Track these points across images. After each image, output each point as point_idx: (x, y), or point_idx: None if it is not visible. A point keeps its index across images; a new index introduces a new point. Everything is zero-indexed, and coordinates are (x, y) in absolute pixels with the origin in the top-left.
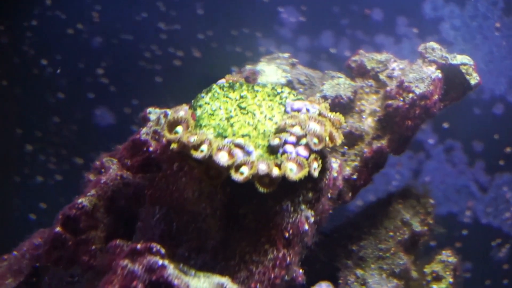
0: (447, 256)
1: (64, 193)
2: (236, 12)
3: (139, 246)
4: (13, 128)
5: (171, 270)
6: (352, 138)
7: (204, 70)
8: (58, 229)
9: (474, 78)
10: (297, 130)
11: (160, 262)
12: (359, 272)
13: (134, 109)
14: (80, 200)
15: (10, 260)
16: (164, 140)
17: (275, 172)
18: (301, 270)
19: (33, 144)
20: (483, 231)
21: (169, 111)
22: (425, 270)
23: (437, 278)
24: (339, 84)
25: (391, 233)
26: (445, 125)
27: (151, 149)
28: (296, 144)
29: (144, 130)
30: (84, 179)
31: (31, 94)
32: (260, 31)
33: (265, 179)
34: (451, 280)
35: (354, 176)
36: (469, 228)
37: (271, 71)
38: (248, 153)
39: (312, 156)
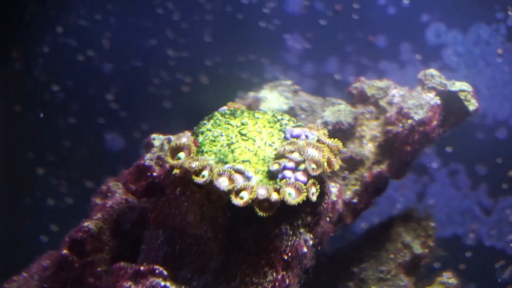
0: (448, 277)
1: (75, 216)
2: (243, 39)
3: (142, 268)
4: (25, 152)
5: None
6: (353, 163)
7: (212, 96)
8: (64, 251)
9: (472, 104)
10: (295, 156)
11: (163, 283)
12: None
13: (144, 134)
14: (86, 224)
15: (19, 281)
16: (167, 165)
17: (274, 196)
18: None
19: (45, 167)
20: (487, 253)
21: (172, 137)
22: None
23: None
24: (339, 111)
25: (392, 255)
26: (449, 149)
27: (155, 174)
28: (294, 169)
29: (148, 156)
30: (91, 203)
31: (43, 119)
32: (266, 58)
33: (265, 203)
34: None
35: (355, 200)
36: (473, 250)
37: (274, 98)
38: (248, 178)
39: (311, 181)
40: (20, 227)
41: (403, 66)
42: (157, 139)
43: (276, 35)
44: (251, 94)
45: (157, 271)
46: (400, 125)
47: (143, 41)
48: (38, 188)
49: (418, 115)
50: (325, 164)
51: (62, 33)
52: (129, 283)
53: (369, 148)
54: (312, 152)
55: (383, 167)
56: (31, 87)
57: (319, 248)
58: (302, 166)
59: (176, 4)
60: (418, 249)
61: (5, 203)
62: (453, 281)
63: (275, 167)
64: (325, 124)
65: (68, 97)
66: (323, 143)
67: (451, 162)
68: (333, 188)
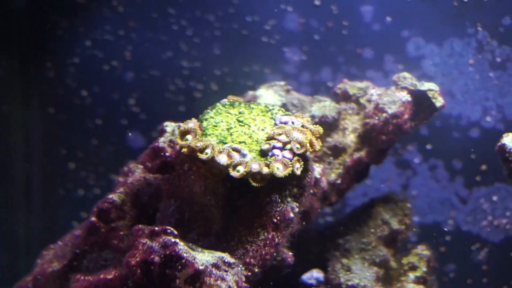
0: (422, 250)
1: None
2: (248, 52)
3: (157, 228)
4: (58, 149)
5: (182, 246)
6: (337, 150)
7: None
8: (93, 219)
9: (439, 101)
10: (283, 137)
11: (173, 240)
12: (345, 261)
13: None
14: (111, 196)
15: (55, 248)
16: (177, 146)
17: (265, 170)
18: (290, 253)
19: (75, 162)
20: (464, 237)
21: (181, 124)
22: (402, 261)
23: (413, 268)
24: (325, 106)
25: (372, 230)
26: (429, 146)
27: (167, 154)
28: (282, 148)
29: (161, 139)
30: (115, 181)
31: (73, 120)
32: (268, 68)
33: (257, 176)
34: (425, 269)
35: (338, 181)
36: (451, 235)
37: (269, 95)
38: (243, 155)
39: (295, 158)
40: (54, 214)
41: (387, 75)
42: (169, 126)
43: (276, 49)
44: (250, 92)
45: (168, 230)
46: (376, 118)
47: (160, 53)
48: (70, 181)
49: (392, 109)
50: (308, 144)
51: (90, 46)
52: (146, 240)
53: (350, 138)
54: (297, 135)
55: (362, 153)
56: (62, 93)
57: (308, 221)
58: (288, 146)
59: (189, 22)
60: (395, 225)
61: (42, 193)
62: (426, 252)
63: (266, 146)
64: (312, 117)
65: (95, 101)
66: (306, 128)
67: (431, 158)
68: (317, 168)
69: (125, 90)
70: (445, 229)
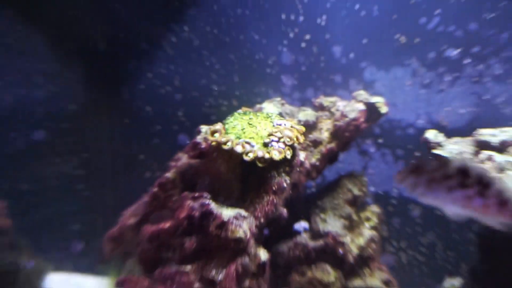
0: (374, 208)
1: None
2: (256, 79)
3: (196, 194)
4: (132, 146)
5: (213, 205)
6: (316, 143)
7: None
8: (155, 189)
9: (384, 109)
10: (278, 134)
11: (207, 202)
12: (322, 215)
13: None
14: (167, 174)
15: (131, 209)
16: (209, 141)
17: (267, 155)
18: (285, 209)
19: (144, 155)
20: (404, 200)
21: (211, 126)
22: (361, 215)
23: (368, 219)
24: (308, 114)
25: (340, 195)
26: (380, 140)
27: (202, 146)
28: (277, 141)
29: (198, 137)
30: (169, 165)
31: (141, 127)
32: (271, 89)
33: (262, 159)
34: (376, 221)
35: (317, 163)
36: (396, 199)
37: (270, 107)
38: (252, 146)
39: (287, 147)
40: (131, 188)
41: (351, 92)
42: (204, 128)
43: (276, 76)
44: (258, 105)
45: (204, 195)
46: (342, 121)
47: (198, 81)
48: (140, 167)
49: (352, 115)
50: (295, 138)
51: (151, 77)
52: (190, 201)
53: (325, 135)
54: (287, 132)
55: (333, 145)
56: (134, 109)
57: (297, 190)
58: (282, 139)
59: (216, 59)
60: (356, 192)
61: (122, 175)
62: (377, 210)
63: (267, 140)
64: (299, 121)
65: (156, 114)
66: (294, 128)
67: (382, 148)
68: (302, 154)
69: (175, 106)
70: (393, 194)
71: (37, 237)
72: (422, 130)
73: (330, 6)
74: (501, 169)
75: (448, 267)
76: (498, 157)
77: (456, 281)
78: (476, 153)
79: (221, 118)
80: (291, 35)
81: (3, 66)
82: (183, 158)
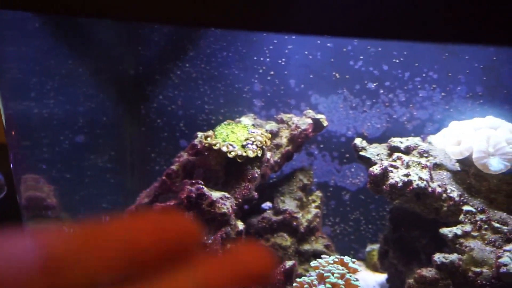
0: (318, 193)
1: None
2: (236, 101)
3: (193, 181)
4: (146, 147)
5: (205, 189)
6: (278, 146)
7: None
8: (164, 177)
9: (325, 123)
10: (252, 139)
11: (201, 186)
12: (282, 197)
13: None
14: (172, 166)
15: (145, 193)
16: (203, 143)
17: (244, 154)
18: (256, 193)
19: (155, 154)
20: (338, 188)
21: (204, 133)
22: (309, 198)
23: (313, 201)
24: (272, 125)
25: (294, 183)
26: (322, 145)
27: (198, 147)
28: (252, 144)
29: (195, 140)
30: (173, 160)
31: (153, 134)
32: (245, 108)
33: (240, 157)
34: (319, 202)
35: (279, 160)
36: (332, 187)
37: (246, 120)
38: (234, 147)
39: (258, 148)
40: (145, 177)
41: (302, 112)
42: (199, 133)
43: (250, 100)
44: (237, 119)
45: (199, 182)
46: (296, 131)
47: (194, 102)
48: (152, 162)
49: (303, 126)
50: (264, 142)
51: (161, 98)
52: (189, 186)
53: (284, 141)
54: (259, 138)
55: (289, 148)
56: (148, 120)
57: (264, 180)
58: (255, 143)
59: (208, 87)
60: (305, 181)
61: (138, 169)
62: (320, 194)
63: (244, 143)
64: (266, 130)
65: (164, 125)
66: (264, 134)
67: (322, 151)
68: (269, 153)
69: (178, 120)
70: (330, 184)
71: (76, 212)
72: (351, 139)
73: (288, 52)
74: (408, 165)
75: (369, 236)
76: (405, 157)
77: (375, 246)
78: (390, 155)
79: (211, 128)
80: (261, 71)
81: (56, 89)
82: (184, 155)
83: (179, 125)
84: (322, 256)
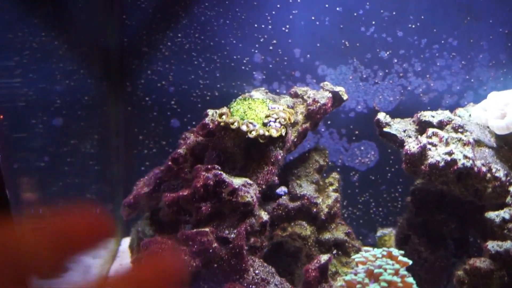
0: (335, 175)
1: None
2: (234, 75)
3: (209, 166)
4: (133, 129)
5: (224, 175)
6: (294, 124)
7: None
8: (169, 163)
9: (345, 96)
10: (274, 116)
11: (219, 172)
12: (298, 181)
13: (192, 123)
14: (179, 150)
15: (143, 181)
16: (216, 122)
17: (266, 133)
18: (276, 178)
19: (142, 136)
20: (347, 168)
21: (218, 110)
22: (326, 181)
23: (331, 184)
24: (287, 100)
25: (310, 165)
26: (329, 122)
27: (210, 126)
28: (274, 121)
29: (206, 118)
30: (178, 142)
31: (141, 113)
32: (244, 82)
33: (262, 136)
34: (337, 184)
35: (295, 140)
36: (340, 167)
37: (258, 94)
38: (254, 126)
39: (282, 126)
40: (132, 164)
41: (307, 85)
42: (210, 111)
43: (250, 73)
44: (247, 93)
45: (216, 167)
46: (314, 106)
47: (187, 76)
48: (139, 145)
49: (322, 101)
50: (288, 119)
51: (150, 73)
52: (204, 172)
53: (300, 117)
54: (282, 114)
55: (307, 125)
56: (135, 98)
57: (283, 161)
58: (278, 120)
59: (202, 59)
60: (322, 162)
61: (124, 153)
62: (337, 176)
63: (265, 120)
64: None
65: (153, 103)
66: (286, 110)
67: (330, 128)
68: (290, 132)
69: (169, 97)
70: (338, 164)
71: (56, 204)
72: (360, 114)
73: (292, 17)
74: (447, 142)
75: (380, 220)
76: (442, 133)
77: (386, 231)
78: (420, 131)
79: (206, 106)
80: (261, 40)
81: (28, 66)
82: (191, 137)
83: (170, 103)
84: (364, 249)
